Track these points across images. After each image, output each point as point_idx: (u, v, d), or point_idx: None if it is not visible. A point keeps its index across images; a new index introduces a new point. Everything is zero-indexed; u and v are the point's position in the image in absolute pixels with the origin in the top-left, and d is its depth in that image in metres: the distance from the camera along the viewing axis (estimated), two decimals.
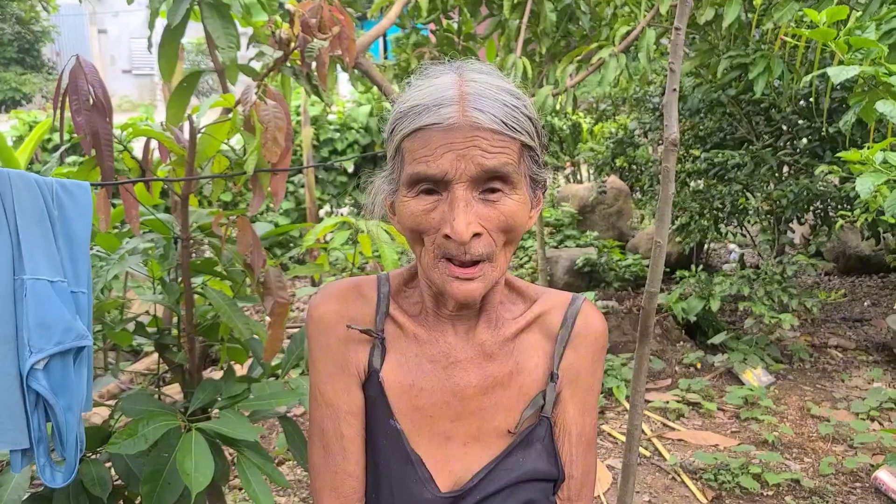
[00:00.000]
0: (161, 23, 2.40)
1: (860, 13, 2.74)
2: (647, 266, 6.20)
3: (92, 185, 1.60)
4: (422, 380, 1.01)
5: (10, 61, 18.93)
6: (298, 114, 7.43)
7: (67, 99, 1.81)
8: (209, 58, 2.28)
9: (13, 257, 1.29)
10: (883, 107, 1.81)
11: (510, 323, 1.04)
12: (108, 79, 21.78)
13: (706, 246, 6.60)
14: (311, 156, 7.66)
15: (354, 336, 1.03)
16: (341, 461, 1.03)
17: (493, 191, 0.90)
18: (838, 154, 2.06)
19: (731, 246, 7.59)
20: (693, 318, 4.77)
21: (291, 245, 7.72)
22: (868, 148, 1.96)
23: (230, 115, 1.99)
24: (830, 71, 1.91)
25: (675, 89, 1.74)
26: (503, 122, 0.89)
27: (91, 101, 1.82)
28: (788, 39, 2.49)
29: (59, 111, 1.84)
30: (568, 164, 9.18)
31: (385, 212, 1.01)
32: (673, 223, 5.61)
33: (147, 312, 2.32)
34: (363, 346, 1.03)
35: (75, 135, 1.84)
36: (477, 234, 0.88)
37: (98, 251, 2.19)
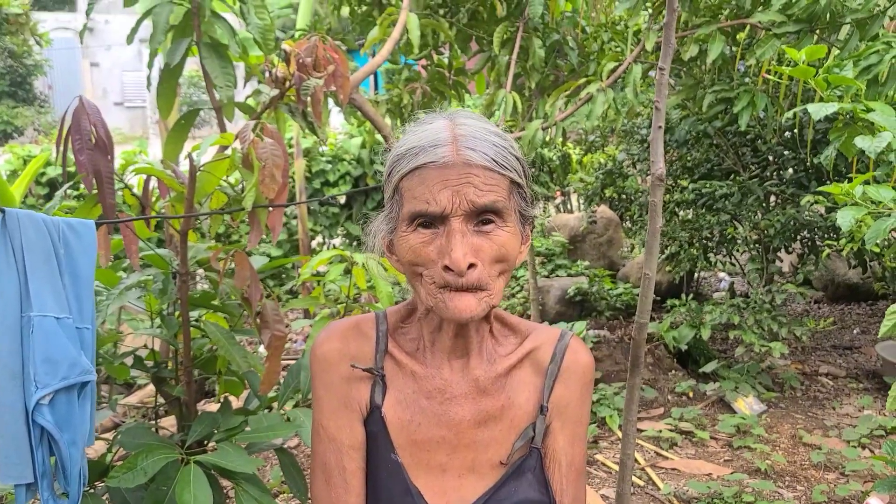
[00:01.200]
0: (158, 59, 2.46)
1: (840, 49, 2.83)
2: (638, 295, 6.22)
3: (96, 223, 1.64)
4: (419, 415, 1.06)
5: (2, 95, 19.00)
6: (291, 146, 7.49)
7: (70, 138, 1.86)
8: (201, 91, 2.33)
9: (21, 294, 1.32)
10: (861, 142, 1.88)
11: (503, 359, 1.09)
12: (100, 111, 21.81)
13: (696, 275, 6.66)
14: (304, 187, 7.72)
15: (356, 373, 1.08)
16: (343, 493, 1.06)
17: (487, 222, 0.96)
18: (821, 187, 2.12)
19: (721, 274, 7.66)
20: (684, 347, 4.81)
21: (284, 277, 7.74)
22: (850, 181, 2.02)
23: (228, 153, 2.05)
24: (811, 108, 1.98)
25: (660, 126, 1.80)
26: (493, 160, 0.96)
27: (93, 140, 1.87)
28: (771, 77, 2.57)
29: (62, 150, 1.88)
30: (558, 193, 9.27)
31: (384, 251, 1.07)
32: (662, 253, 5.67)
33: (145, 346, 2.35)
34: (364, 383, 1.08)
35: (73, 170, 1.89)
36: (472, 265, 0.94)
37: (98, 286, 2.22)
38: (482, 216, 0.96)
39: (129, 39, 2.56)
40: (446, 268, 0.94)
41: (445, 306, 0.95)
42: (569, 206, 9.51)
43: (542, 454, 1.09)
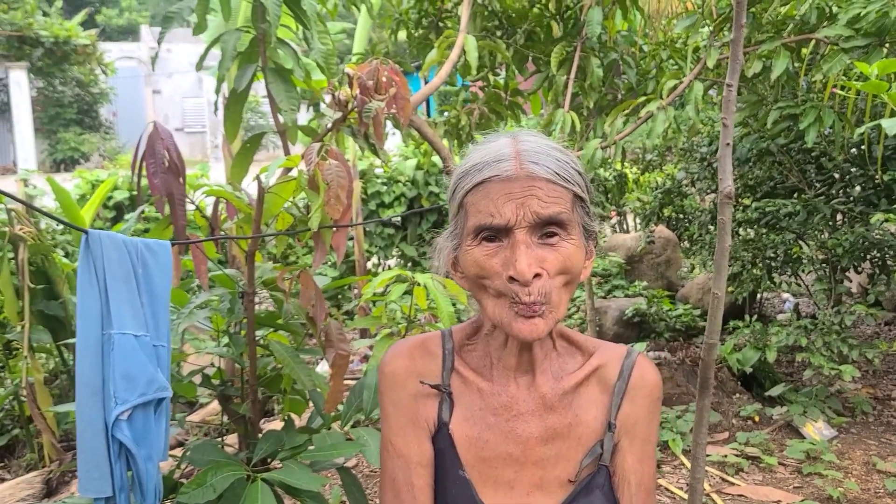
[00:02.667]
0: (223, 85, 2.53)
1: None
2: (698, 316, 6.07)
3: (171, 243, 1.69)
4: (486, 432, 1.06)
5: (70, 122, 19.78)
6: None
7: (145, 162, 1.93)
8: (257, 115, 2.38)
9: (102, 313, 1.37)
10: None
11: (569, 376, 1.09)
12: None
13: (759, 296, 6.49)
14: (360, 209, 7.81)
15: (424, 391, 1.09)
16: None
17: (551, 235, 0.97)
18: None
19: (785, 295, 7.46)
20: (749, 370, 4.67)
21: (340, 298, 7.82)
22: None
23: (293, 174, 2.09)
24: (885, 123, 1.92)
25: (728, 143, 1.77)
26: (556, 173, 0.98)
27: (166, 163, 1.93)
28: (841, 92, 2.51)
29: (136, 173, 1.95)
30: (613, 213, 9.18)
31: (448, 269, 1.07)
32: None
33: (212, 364, 2.40)
34: (432, 401, 1.09)
35: (150, 195, 1.95)
36: (537, 275, 0.95)
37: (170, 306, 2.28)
38: (546, 228, 0.97)
39: (199, 66, 2.63)
40: (511, 278, 0.94)
41: (511, 326, 0.96)
42: (625, 227, 9.40)
43: (610, 472, 1.08)
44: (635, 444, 1.09)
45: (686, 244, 7.14)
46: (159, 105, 23.95)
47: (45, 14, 18.60)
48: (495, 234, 0.97)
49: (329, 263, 8.02)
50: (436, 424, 1.08)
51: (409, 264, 8.40)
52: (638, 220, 7.64)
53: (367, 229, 8.24)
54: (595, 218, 1.06)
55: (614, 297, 6.96)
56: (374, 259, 8.53)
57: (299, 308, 2.16)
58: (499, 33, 4.00)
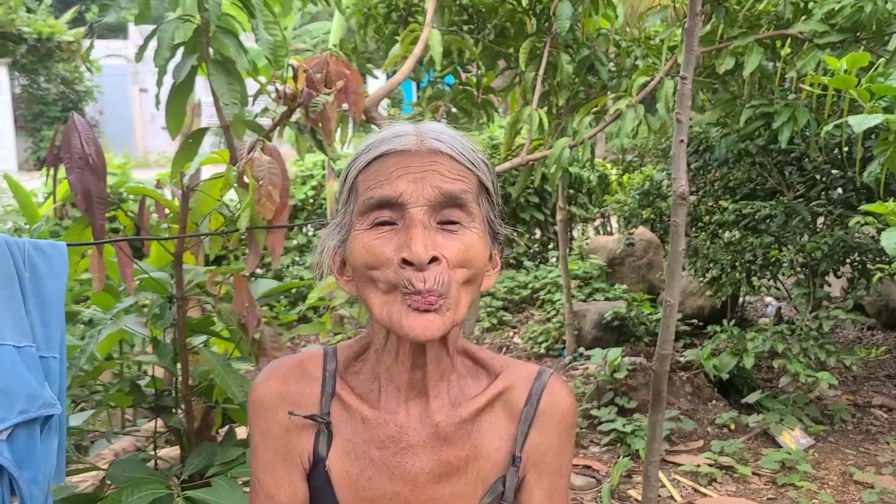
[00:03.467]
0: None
1: (886, 59, 2.64)
2: (679, 320, 5.95)
3: (74, 244, 1.56)
4: (370, 469, 0.92)
5: (54, 120, 19.54)
6: (324, 167, 7.46)
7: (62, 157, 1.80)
8: None
9: None
10: None
11: (469, 402, 0.94)
12: (148, 135, 22.39)
13: (741, 299, 6.38)
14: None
15: (298, 420, 0.93)
16: None
17: (452, 222, 0.84)
18: (863, 206, 1.94)
19: (768, 299, 7.36)
20: (726, 376, 4.56)
21: None
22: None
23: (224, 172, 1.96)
24: (851, 120, 1.81)
25: (682, 140, 1.65)
26: (461, 153, 0.87)
27: (88, 160, 1.80)
28: (809, 88, 2.40)
29: (52, 170, 1.82)
30: (597, 215, 9.07)
31: (333, 272, 0.93)
32: (704, 276, 5.44)
33: (145, 373, 2.27)
34: (307, 432, 0.94)
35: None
36: (435, 259, 0.81)
37: (95, 310, 2.15)
38: (447, 213, 0.84)
39: (138, 58, 2.52)
40: (404, 261, 0.80)
41: (401, 323, 0.81)
42: (609, 228, 9.29)
43: None
44: (544, 479, 0.95)
45: (668, 247, 7.03)
46: (146, 103, 23.67)
47: (29, 11, 18.37)
48: (389, 217, 0.84)
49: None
50: (311, 459, 0.93)
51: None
52: (620, 222, 7.53)
53: None
54: (500, 221, 0.93)
55: (594, 300, 6.84)
56: None
57: (232, 314, 2.03)
58: (467, 28, 3.88)
